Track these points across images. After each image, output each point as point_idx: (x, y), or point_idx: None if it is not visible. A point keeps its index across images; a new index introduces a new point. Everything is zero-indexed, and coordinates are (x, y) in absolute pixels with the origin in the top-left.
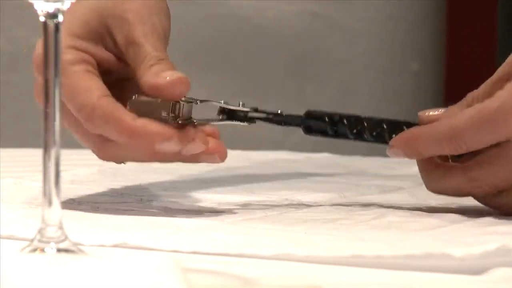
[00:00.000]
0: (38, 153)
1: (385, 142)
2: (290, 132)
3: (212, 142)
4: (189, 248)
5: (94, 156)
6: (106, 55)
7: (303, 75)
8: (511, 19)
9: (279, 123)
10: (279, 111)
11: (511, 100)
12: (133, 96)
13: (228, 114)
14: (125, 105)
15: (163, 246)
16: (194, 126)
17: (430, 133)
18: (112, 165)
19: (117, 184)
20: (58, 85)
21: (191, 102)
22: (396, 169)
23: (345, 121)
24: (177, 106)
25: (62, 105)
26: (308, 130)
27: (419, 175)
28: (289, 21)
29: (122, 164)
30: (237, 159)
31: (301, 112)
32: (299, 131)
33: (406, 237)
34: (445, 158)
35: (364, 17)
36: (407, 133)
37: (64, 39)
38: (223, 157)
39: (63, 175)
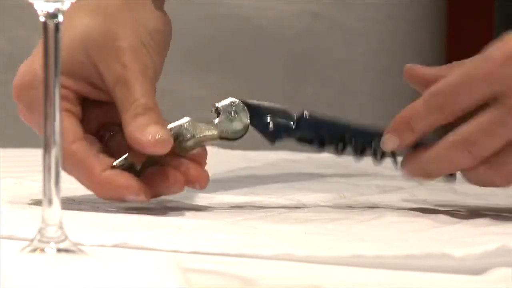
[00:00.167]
0: (38, 153)
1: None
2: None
3: (193, 170)
4: (189, 248)
5: None
6: (87, 90)
7: (303, 75)
8: (508, 19)
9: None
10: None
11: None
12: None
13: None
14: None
15: (163, 246)
16: (179, 154)
17: (420, 106)
18: None
19: None
20: (58, 85)
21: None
22: (396, 169)
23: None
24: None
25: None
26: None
27: None
28: (289, 21)
29: None
30: (237, 159)
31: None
32: None
33: (406, 237)
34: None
35: (364, 17)
36: (398, 116)
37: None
38: (202, 185)
39: (63, 175)
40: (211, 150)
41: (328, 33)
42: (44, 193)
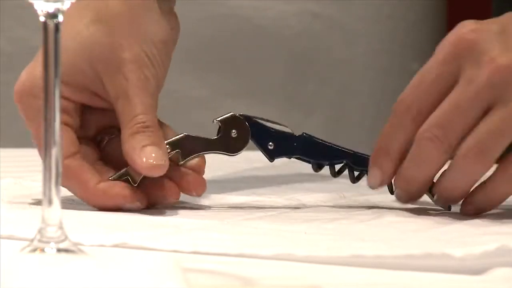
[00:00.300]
0: (38, 153)
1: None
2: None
3: (191, 177)
4: (189, 248)
5: None
6: (89, 99)
7: (303, 75)
8: None
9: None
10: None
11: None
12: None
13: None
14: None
15: (163, 246)
16: (178, 164)
17: (386, 127)
18: None
19: None
20: (58, 85)
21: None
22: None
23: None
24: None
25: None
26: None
27: None
28: (289, 21)
29: None
30: (238, 159)
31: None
32: (299, 130)
33: (406, 237)
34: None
35: (364, 17)
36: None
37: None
38: (199, 193)
39: None
40: None
41: (328, 33)
42: (44, 193)
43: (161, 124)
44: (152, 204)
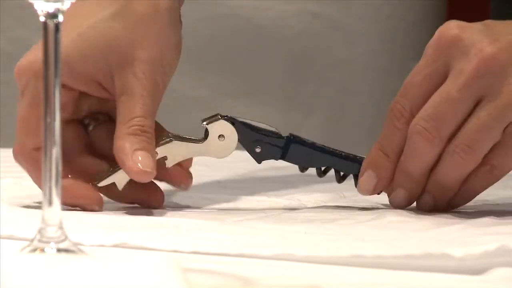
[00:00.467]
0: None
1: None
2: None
3: (177, 171)
4: (189, 248)
5: None
6: (93, 89)
7: (303, 75)
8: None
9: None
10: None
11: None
12: None
13: None
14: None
15: (163, 246)
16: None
17: (382, 133)
18: None
19: None
20: (58, 85)
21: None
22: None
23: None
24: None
25: None
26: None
27: None
28: (289, 21)
29: None
30: (237, 159)
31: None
32: (299, 130)
33: (406, 237)
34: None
35: (364, 17)
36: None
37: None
38: (187, 185)
39: None
40: None
41: (328, 33)
42: (44, 193)
43: (156, 125)
44: (133, 202)
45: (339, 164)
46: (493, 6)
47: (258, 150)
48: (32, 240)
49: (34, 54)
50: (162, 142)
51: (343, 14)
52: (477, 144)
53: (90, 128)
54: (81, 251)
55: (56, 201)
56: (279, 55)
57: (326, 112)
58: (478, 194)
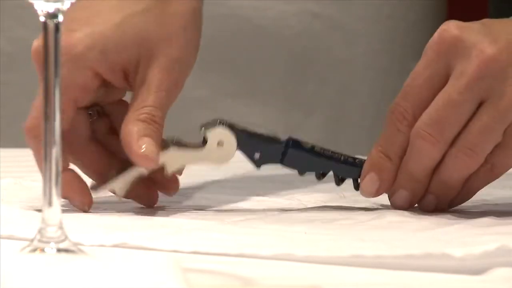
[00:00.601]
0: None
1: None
2: (290, 132)
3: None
4: (189, 248)
5: None
6: (116, 78)
7: (303, 75)
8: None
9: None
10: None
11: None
12: None
13: None
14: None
15: (163, 246)
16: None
17: (383, 135)
18: None
19: None
20: (58, 85)
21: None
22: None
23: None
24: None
25: None
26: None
27: None
28: (289, 21)
29: None
30: (237, 159)
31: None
32: (299, 130)
33: (406, 237)
34: None
35: (364, 17)
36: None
37: (91, 53)
38: (170, 195)
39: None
40: None
41: (328, 33)
42: (44, 193)
43: None
44: (127, 197)
45: (338, 168)
46: (492, 6)
47: (257, 156)
48: (32, 240)
49: (38, 108)
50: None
51: (343, 14)
52: (479, 147)
53: (92, 119)
54: (81, 251)
55: (56, 201)
56: (279, 55)
57: (326, 112)
58: (479, 190)
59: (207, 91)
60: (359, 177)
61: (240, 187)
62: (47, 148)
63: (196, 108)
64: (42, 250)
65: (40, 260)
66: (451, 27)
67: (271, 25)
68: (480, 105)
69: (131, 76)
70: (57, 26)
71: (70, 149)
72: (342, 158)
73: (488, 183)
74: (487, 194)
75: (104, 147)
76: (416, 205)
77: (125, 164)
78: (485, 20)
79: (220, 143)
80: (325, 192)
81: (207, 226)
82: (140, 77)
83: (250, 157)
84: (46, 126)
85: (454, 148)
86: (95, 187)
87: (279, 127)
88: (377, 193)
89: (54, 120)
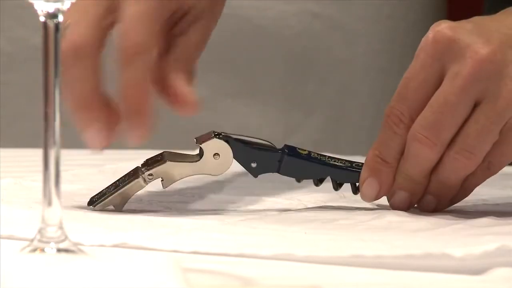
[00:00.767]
0: (38, 153)
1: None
2: (290, 132)
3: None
4: (189, 248)
5: (94, 156)
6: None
7: (303, 75)
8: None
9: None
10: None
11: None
12: None
13: None
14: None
15: (163, 246)
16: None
17: (380, 137)
18: (112, 165)
19: None
20: (58, 85)
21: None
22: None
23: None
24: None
25: None
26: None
27: None
28: (289, 21)
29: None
30: None
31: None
32: (299, 130)
33: (406, 237)
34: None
35: (364, 17)
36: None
37: None
38: (188, 108)
39: (63, 175)
40: None
41: (328, 33)
42: (44, 193)
43: None
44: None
45: (335, 174)
46: (488, 6)
47: (254, 165)
48: (32, 240)
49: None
50: (156, 164)
51: (343, 14)
52: (478, 148)
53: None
54: (81, 251)
55: (56, 201)
56: (279, 55)
57: (326, 112)
58: (476, 187)
59: (207, 91)
60: (357, 182)
61: (240, 187)
62: (47, 148)
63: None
64: (42, 250)
65: (40, 260)
66: (443, 29)
67: (271, 25)
68: (475, 105)
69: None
70: (57, 26)
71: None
72: (339, 163)
73: (485, 179)
74: (487, 194)
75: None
76: (416, 205)
77: (122, 179)
78: (476, 19)
79: (216, 155)
80: (325, 192)
81: (207, 226)
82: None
83: (247, 166)
84: (46, 126)
85: (452, 150)
86: (92, 202)
87: (279, 127)
88: (377, 197)
89: (54, 120)
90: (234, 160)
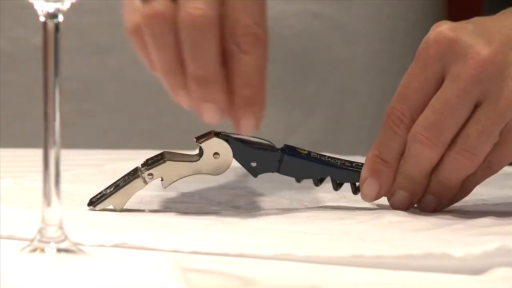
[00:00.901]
0: (38, 153)
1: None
2: (290, 132)
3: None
4: (189, 248)
5: (94, 156)
6: None
7: (303, 75)
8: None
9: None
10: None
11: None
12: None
13: None
14: None
15: (163, 246)
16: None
17: (381, 137)
18: (112, 165)
19: None
20: (58, 85)
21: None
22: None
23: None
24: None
25: None
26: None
27: None
28: (289, 21)
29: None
30: None
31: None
32: (299, 130)
33: (406, 237)
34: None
35: (364, 17)
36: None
37: None
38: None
39: (63, 175)
40: None
41: (328, 33)
42: (44, 193)
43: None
44: None
45: (335, 174)
46: (488, 6)
47: (253, 164)
48: (32, 240)
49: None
50: (156, 164)
51: (343, 14)
52: (478, 149)
53: None
54: (81, 251)
55: (56, 201)
56: (279, 55)
57: (326, 112)
58: (476, 186)
59: None
60: (357, 182)
61: (240, 187)
62: (47, 148)
63: None
64: (42, 250)
65: (40, 260)
66: (445, 29)
67: (271, 25)
68: (476, 106)
69: None
70: (57, 26)
71: None
72: (338, 163)
73: (485, 179)
74: (487, 194)
75: None
76: (416, 205)
77: (122, 179)
78: (476, 19)
79: (216, 154)
80: (325, 192)
81: (207, 226)
82: None
83: (247, 166)
84: (46, 126)
85: (453, 151)
86: (92, 203)
87: (279, 127)
88: (377, 197)
89: (54, 120)
90: (234, 160)
